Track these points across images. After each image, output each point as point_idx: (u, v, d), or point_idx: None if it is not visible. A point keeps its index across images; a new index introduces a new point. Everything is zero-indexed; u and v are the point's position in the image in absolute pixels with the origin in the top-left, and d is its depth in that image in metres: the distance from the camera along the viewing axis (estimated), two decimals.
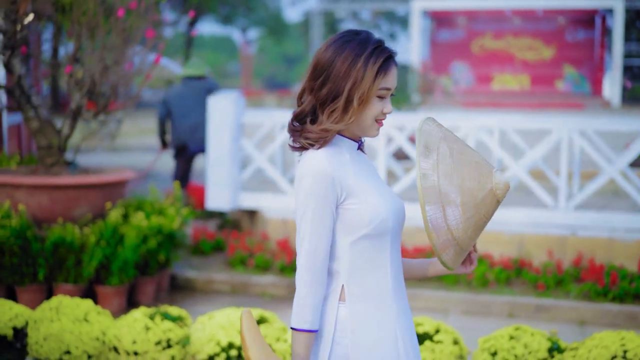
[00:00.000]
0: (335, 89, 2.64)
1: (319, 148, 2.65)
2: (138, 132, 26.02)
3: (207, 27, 55.29)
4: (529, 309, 7.45)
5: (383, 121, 2.73)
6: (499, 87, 32.86)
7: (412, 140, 10.38)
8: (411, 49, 30.25)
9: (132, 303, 7.65)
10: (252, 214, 9.63)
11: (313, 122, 2.69)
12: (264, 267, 8.41)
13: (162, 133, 10.42)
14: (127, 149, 20.75)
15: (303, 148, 2.70)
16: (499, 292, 7.74)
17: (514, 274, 8.07)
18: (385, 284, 2.71)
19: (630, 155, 8.36)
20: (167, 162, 14.56)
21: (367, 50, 2.64)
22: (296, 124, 2.73)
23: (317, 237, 2.61)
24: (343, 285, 2.68)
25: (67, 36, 8.27)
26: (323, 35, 36.46)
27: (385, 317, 2.70)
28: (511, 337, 5.05)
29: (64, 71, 7.98)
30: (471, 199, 2.68)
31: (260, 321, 5.29)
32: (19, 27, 7.60)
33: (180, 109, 10.13)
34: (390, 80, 2.68)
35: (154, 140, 22.41)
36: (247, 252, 8.60)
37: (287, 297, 8.00)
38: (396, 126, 9.29)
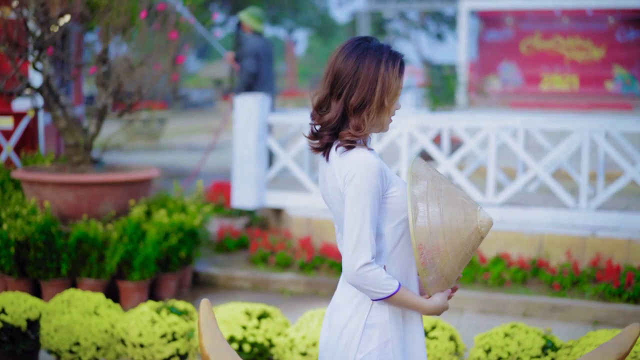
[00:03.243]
0: (366, 94, 2.90)
1: (362, 147, 2.92)
2: (184, 132, 26.33)
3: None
4: (543, 309, 7.49)
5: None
6: (547, 87, 32.55)
7: (435, 141, 10.45)
8: (459, 49, 30.18)
9: (154, 298, 7.82)
10: (278, 212, 9.77)
11: (343, 128, 2.95)
12: (284, 265, 8.55)
13: (250, 89, 10.40)
14: (171, 148, 21.03)
15: (319, 149, 2.99)
16: (515, 291, 7.79)
17: (531, 274, 8.11)
18: (413, 265, 3.02)
19: None
20: (208, 161, 14.82)
21: (385, 55, 2.94)
22: (324, 131, 2.97)
23: (370, 225, 2.84)
24: (385, 267, 2.95)
25: (99, 37, 8.48)
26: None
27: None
28: (506, 335, 5.11)
29: (89, 71, 8.17)
30: (458, 238, 2.95)
31: (263, 316, 5.42)
32: (49, 28, 7.82)
33: (267, 62, 10.39)
34: (403, 79, 2.98)
35: (200, 139, 22.70)
36: (269, 250, 8.74)
37: (306, 293, 8.13)
38: (420, 127, 9.37)
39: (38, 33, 7.83)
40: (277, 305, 7.75)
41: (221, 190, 11.04)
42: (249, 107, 9.47)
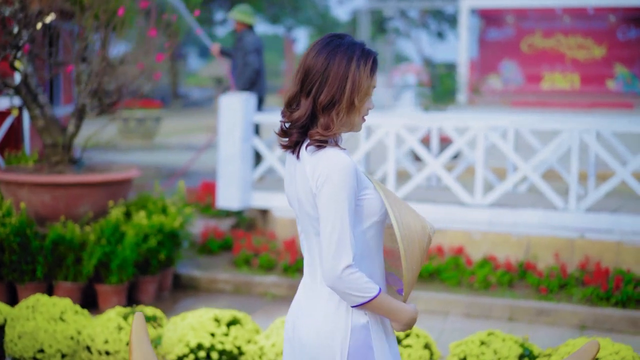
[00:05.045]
0: (335, 93, 2.80)
1: (334, 146, 2.82)
2: (183, 131, 26.17)
3: (258, 27, 55.42)
4: (529, 313, 7.31)
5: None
6: (548, 86, 32.39)
7: (424, 141, 10.29)
8: (460, 48, 30.00)
9: (133, 302, 7.67)
10: (265, 213, 9.61)
11: (312, 126, 2.84)
12: (267, 267, 8.38)
13: (254, 85, 10.40)
14: (168, 147, 20.86)
15: (288, 147, 2.88)
16: (501, 295, 7.62)
17: (518, 277, 7.94)
18: (381, 268, 2.94)
19: None
20: (203, 161, 14.66)
21: (357, 53, 2.83)
22: (293, 129, 2.86)
23: (349, 227, 2.74)
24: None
25: (78, 35, 8.33)
26: (371, 34, 36.39)
27: None
28: (482, 343, 4.95)
29: (66, 70, 8.02)
30: (421, 245, 2.91)
31: (233, 322, 5.26)
32: (26, 25, 7.66)
33: (263, 59, 10.46)
34: (376, 79, 2.88)
35: (197, 138, 22.54)
36: (253, 252, 8.58)
37: (288, 297, 7.96)
38: (408, 126, 9.20)
39: (14, 31, 7.67)
40: (259, 309, 7.60)
41: (209, 191, 10.87)
42: (234, 106, 9.31)
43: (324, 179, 2.76)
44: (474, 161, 9.34)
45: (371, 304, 2.77)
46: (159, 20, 8.41)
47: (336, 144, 2.86)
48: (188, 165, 12.38)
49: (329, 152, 2.80)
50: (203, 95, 46.04)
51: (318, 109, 2.82)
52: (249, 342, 5.18)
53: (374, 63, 2.86)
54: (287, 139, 2.90)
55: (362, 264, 2.84)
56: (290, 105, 2.88)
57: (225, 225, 9.76)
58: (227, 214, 10.11)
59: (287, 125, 2.90)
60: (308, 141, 2.85)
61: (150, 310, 5.47)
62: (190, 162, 12.37)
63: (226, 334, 5.15)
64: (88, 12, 7.85)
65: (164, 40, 8.43)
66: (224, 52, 10.97)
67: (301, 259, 8.34)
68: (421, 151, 9.01)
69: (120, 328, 5.25)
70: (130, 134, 20.98)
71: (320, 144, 2.81)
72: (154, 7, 8.22)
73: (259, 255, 8.52)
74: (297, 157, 2.88)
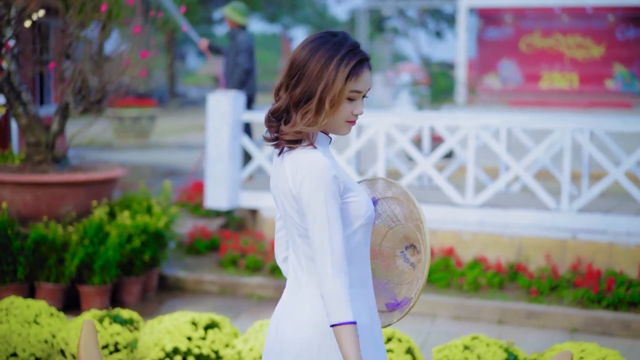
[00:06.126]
0: (307, 90, 2.68)
1: (308, 146, 2.70)
2: (179, 130, 26.02)
3: (256, 26, 55.33)
4: (519, 315, 7.18)
5: (355, 120, 2.79)
6: (547, 85, 32.24)
7: (415, 141, 10.15)
8: (458, 47, 29.86)
9: (117, 303, 7.53)
10: (255, 213, 9.48)
11: (287, 121, 2.73)
12: (254, 268, 8.25)
13: (243, 85, 10.26)
14: (163, 146, 20.71)
15: (271, 141, 2.77)
16: (491, 297, 7.48)
17: (508, 279, 7.80)
18: (368, 273, 2.83)
19: (636, 157, 8.02)
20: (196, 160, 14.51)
21: (341, 53, 2.69)
22: (273, 118, 2.76)
23: (337, 230, 2.64)
24: None
25: (62, 32, 8.20)
26: (369, 33, 36.25)
27: (370, 303, 2.82)
28: (466, 347, 4.81)
29: (48, 68, 7.89)
30: None
31: (210, 326, 5.13)
32: (9, 22, 7.53)
33: (254, 58, 10.35)
34: (362, 83, 2.71)
35: (193, 137, 22.39)
36: (240, 253, 8.44)
37: (274, 298, 7.83)
38: (399, 125, 9.07)
39: None
40: (244, 311, 7.47)
41: (200, 190, 10.73)
42: (222, 104, 9.18)
43: (300, 182, 2.67)
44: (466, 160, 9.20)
45: (339, 329, 2.59)
46: (145, 16, 8.28)
47: (311, 143, 2.72)
48: (197, 165, 12.05)
49: (301, 152, 2.71)
50: (201, 94, 45.89)
51: (291, 103, 2.72)
52: (226, 346, 5.05)
53: (357, 66, 2.71)
54: (268, 131, 2.80)
55: (350, 269, 2.74)
56: (276, 95, 2.79)
57: (214, 225, 9.61)
58: (217, 213, 9.96)
59: (269, 115, 2.80)
60: None
61: (126, 313, 5.33)
62: (198, 162, 12.04)
63: (203, 338, 5.02)
64: (72, 9, 7.72)
65: (150, 37, 8.29)
66: (212, 48, 10.84)
67: None
68: (412, 150, 8.87)
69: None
70: (125, 132, 20.82)
71: (290, 145, 2.71)
72: (140, 3, 8.08)
73: (246, 256, 8.38)
74: (279, 153, 2.78)
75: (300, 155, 2.70)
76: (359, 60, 2.71)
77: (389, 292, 3.00)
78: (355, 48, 2.72)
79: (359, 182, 3.00)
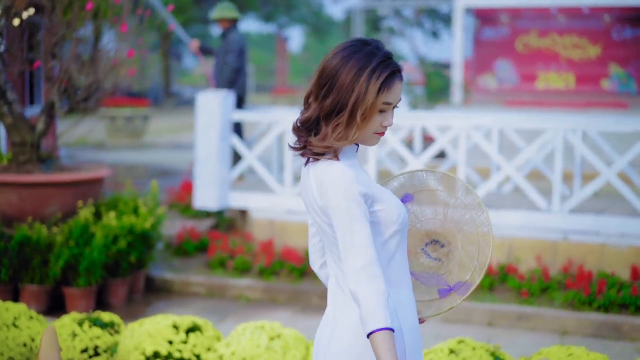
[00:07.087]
0: (339, 102, 2.63)
1: (332, 158, 2.66)
2: (173, 130, 25.92)
3: (252, 25, 55.29)
4: (510, 318, 7.09)
5: (385, 132, 2.75)
6: (543, 86, 32.16)
7: (407, 141, 10.05)
8: (454, 47, 29.79)
9: (103, 305, 7.45)
10: (245, 213, 9.38)
11: (317, 133, 2.68)
12: (243, 270, 8.16)
13: (233, 85, 10.17)
14: (156, 146, 20.61)
15: (299, 150, 2.73)
16: (481, 299, 7.39)
17: (499, 281, 7.71)
18: (408, 274, 2.81)
19: (628, 158, 7.93)
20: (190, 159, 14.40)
21: (373, 64, 2.62)
22: (302, 128, 2.73)
23: (362, 240, 2.59)
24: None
25: (48, 31, 8.10)
26: (366, 34, 36.13)
27: (412, 304, 2.80)
28: (451, 352, 4.72)
29: (33, 67, 7.79)
30: None
31: (193, 329, 5.03)
32: None
33: (246, 58, 10.28)
34: (393, 95, 2.66)
35: (187, 137, 22.27)
36: (228, 254, 8.35)
37: (263, 300, 7.75)
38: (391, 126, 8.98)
39: None
40: (232, 313, 7.38)
41: (190, 191, 10.63)
42: (211, 104, 9.09)
43: (324, 194, 2.65)
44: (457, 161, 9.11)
45: (376, 337, 2.51)
46: (134, 15, 8.18)
47: (335, 155, 2.67)
48: (192, 165, 11.93)
49: (325, 164, 2.67)
50: (196, 94, 45.84)
51: (322, 115, 2.67)
52: (209, 350, 4.95)
53: (390, 78, 2.65)
54: (297, 140, 2.76)
55: (388, 275, 2.73)
56: (306, 103, 2.74)
57: (204, 226, 9.51)
58: (207, 214, 9.86)
59: (299, 125, 2.74)
60: None
61: (107, 317, 5.24)
62: (193, 162, 11.90)
63: (185, 342, 4.92)
64: (58, 7, 7.62)
65: (139, 36, 8.20)
66: (203, 49, 10.75)
67: (277, 262, 8.09)
68: (402, 151, 8.79)
69: (74, 335, 5.01)
70: (118, 132, 20.72)
71: (316, 157, 2.68)
72: (128, 2, 7.98)
73: (235, 257, 8.29)
74: (306, 163, 2.75)
75: (324, 168, 2.66)
76: (391, 72, 2.65)
77: (434, 279, 3.05)
78: (387, 59, 2.66)
79: (401, 175, 3.07)
